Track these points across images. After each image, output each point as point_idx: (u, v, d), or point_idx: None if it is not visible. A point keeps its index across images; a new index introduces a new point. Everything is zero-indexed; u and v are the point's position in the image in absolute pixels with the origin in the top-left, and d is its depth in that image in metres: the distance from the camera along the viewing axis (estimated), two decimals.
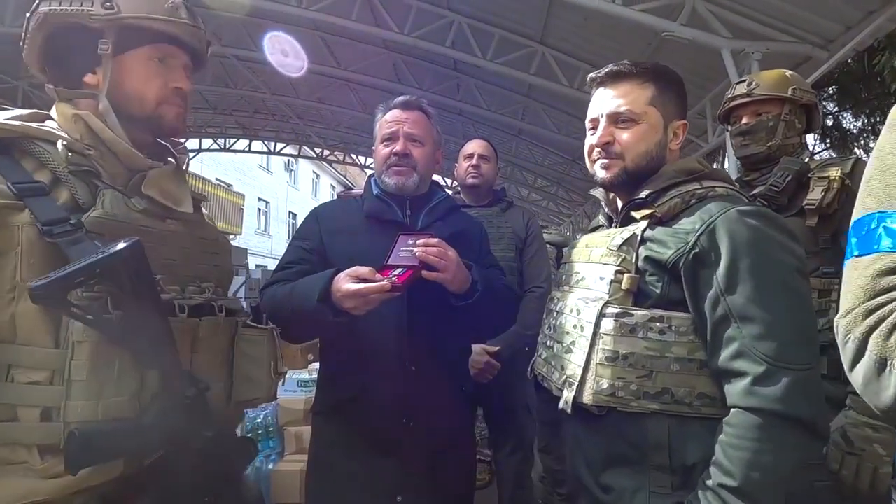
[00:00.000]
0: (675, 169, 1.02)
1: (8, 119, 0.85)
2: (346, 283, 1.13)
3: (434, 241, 1.21)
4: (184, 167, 1.06)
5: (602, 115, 1.05)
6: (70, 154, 0.85)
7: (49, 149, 0.85)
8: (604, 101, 1.05)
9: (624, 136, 1.03)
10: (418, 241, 1.20)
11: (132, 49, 0.93)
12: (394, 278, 1.13)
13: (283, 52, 6.71)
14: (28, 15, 0.92)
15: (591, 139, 1.08)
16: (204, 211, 1.13)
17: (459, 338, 1.45)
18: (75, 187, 0.85)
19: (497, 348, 1.98)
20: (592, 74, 1.09)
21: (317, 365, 1.50)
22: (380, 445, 1.28)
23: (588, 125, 1.10)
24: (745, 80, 1.64)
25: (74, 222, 0.81)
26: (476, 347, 1.89)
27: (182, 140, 1.10)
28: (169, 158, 1.04)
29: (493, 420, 2.22)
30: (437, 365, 1.32)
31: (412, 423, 1.29)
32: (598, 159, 1.06)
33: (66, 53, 0.94)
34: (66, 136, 0.88)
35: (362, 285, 1.11)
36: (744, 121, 1.60)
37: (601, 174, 1.06)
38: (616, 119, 1.03)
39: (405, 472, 1.29)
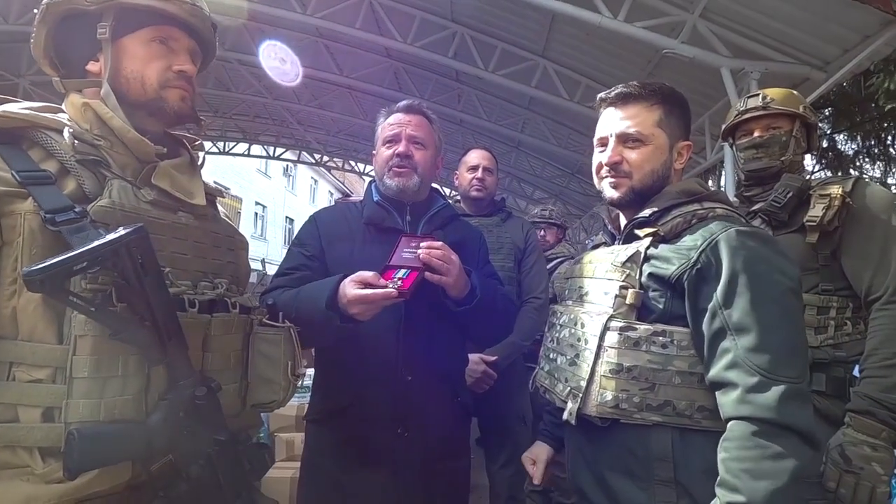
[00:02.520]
0: (677, 190, 1.06)
1: (18, 109, 0.83)
2: (351, 288, 1.12)
3: (437, 243, 1.21)
4: (199, 162, 1.04)
5: (611, 135, 1.08)
6: (77, 143, 0.83)
7: (57, 138, 0.83)
8: (613, 122, 1.08)
9: (632, 155, 1.06)
10: (421, 244, 1.20)
11: (131, 31, 0.91)
12: (399, 282, 1.13)
13: (281, 60, 6.73)
14: (35, 10, 0.91)
15: (599, 157, 1.11)
16: (220, 209, 1.10)
17: (456, 346, 1.44)
18: (82, 177, 0.82)
19: (494, 358, 1.97)
20: (602, 94, 1.12)
21: (311, 370, 1.47)
22: (374, 455, 1.26)
23: (597, 143, 1.13)
24: (757, 94, 1.64)
25: (79, 211, 0.78)
26: (473, 356, 1.88)
27: (197, 138, 1.08)
28: (182, 151, 1.02)
29: (487, 431, 2.19)
30: (432, 374, 1.31)
31: (407, 433, 1.27)
32: (606, 177, 1.09)
33: (68, 43, 0.93)
34: (75, 125, 0.86)
35: (369, 291, 1.11)
36: (756, 134, 1.59)
37: (609, 192, 1.09)
38: (625, 139, 1.06)
39: (399, 483, 1.27)
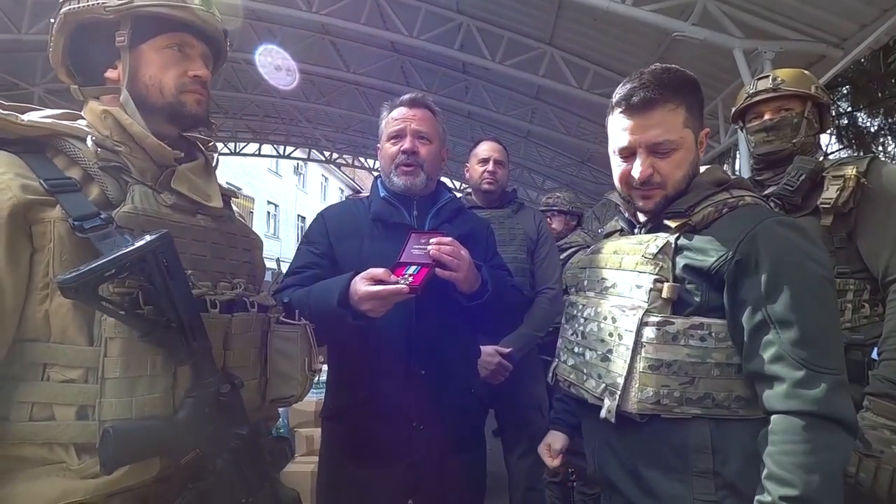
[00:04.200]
0: (708, 180, 1.03)
1: (40, 117, 0.86)
2: (362, 285, 1.13)
3: (447, 239, 1.21)
4: (213, 164, 1.06)
5: (640, 147, 1.00)
6: (99, 150, 0.86)
7: (79, 145, 0.86)
8: (638, 131, 1.00)
9: (664, 165, 1.00)
10: (431, 240, 1.21)
11: (148, 39, 0.94)
12: (410, 278, 1.14)
13: (276, 66, 6.77)
14: (51, 20, 0.93)
15: (623, 166, 1.04)
16: (235, 208, 1.13)
17: (467, 340, 1.45)
18: (105, 183, 0.85)
19: (509, 349, 1.97)
20: (618, 98, 1.03)
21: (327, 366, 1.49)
22: (390, 449, 1.28)
23: (618, 153, 1.04)
24: (767, 76, 1.61)
25: (105, 217, 0.81)
26: (487, 349, 1.88)
27: (210, 139, 1.10)
28: (198, 153, 1.04)
29: (504, 422, 2.21)
30: (445, 367, 1.31)
31: (422, 427, 1.28)
32: (637, 189, 1.03)
33: (86, 51, 0.95)
34: (96, 132, 0.89)
35: (380, 287, 1.11)
36: (766, 117, 1.57)
37: (641, 203, 1.05)
38: (655, 150, 1.00)
39: (416, 476, 1.28)
